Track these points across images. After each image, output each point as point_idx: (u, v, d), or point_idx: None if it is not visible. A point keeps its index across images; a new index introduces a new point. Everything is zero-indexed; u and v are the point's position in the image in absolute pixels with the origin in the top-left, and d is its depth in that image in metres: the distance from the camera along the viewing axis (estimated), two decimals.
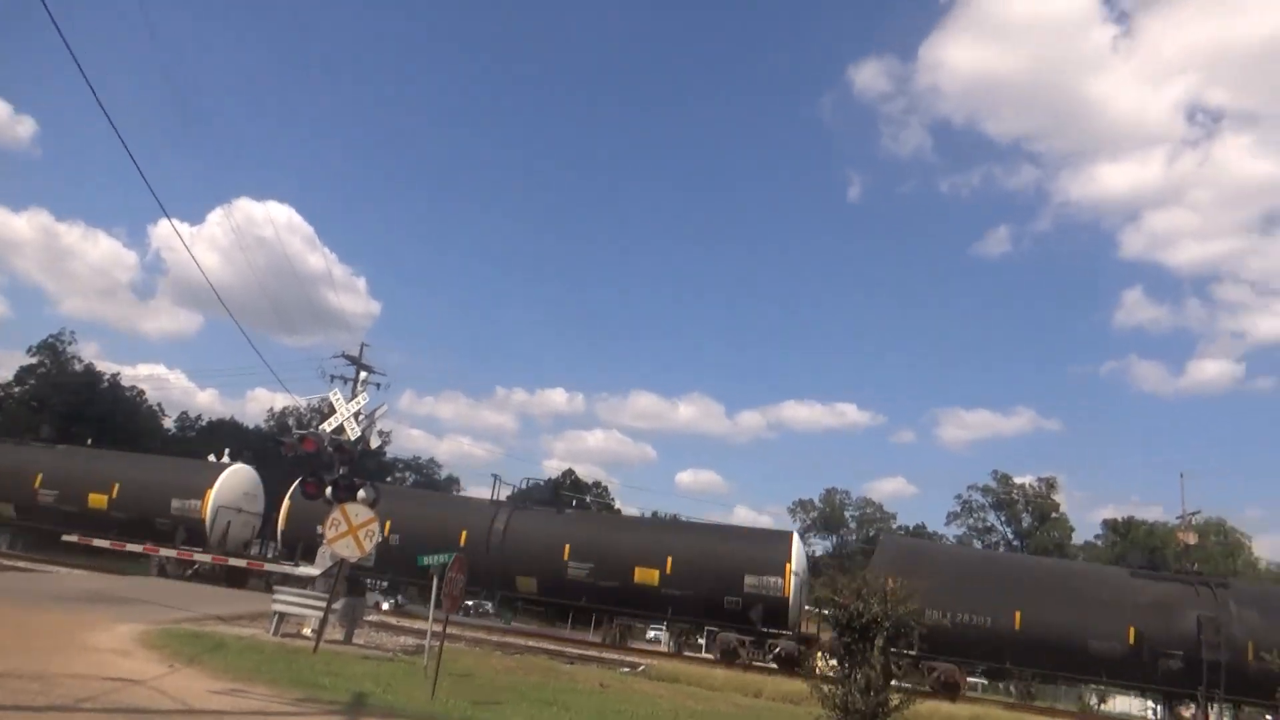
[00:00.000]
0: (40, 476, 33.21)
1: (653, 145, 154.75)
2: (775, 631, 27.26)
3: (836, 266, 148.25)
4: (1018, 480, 77.26)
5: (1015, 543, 75.18)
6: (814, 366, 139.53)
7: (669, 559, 28.12)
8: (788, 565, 27.40)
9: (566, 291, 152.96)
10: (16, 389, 66.47)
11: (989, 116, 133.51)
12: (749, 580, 27.29)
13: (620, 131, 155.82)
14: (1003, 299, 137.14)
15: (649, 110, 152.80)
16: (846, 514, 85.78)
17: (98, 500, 32.59)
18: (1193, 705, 24.83)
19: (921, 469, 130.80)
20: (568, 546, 28.96)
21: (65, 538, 31.65)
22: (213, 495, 31.96)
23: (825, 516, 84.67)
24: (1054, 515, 75.37)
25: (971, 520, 77.47)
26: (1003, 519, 77.28)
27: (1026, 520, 75.68)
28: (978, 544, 74.50)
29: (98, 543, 31.01)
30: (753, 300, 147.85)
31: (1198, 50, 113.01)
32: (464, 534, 28.99)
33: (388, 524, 26.80)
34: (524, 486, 35.93)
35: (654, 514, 65.27)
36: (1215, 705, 23.68)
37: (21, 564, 28.61)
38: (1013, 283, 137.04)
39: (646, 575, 28.04)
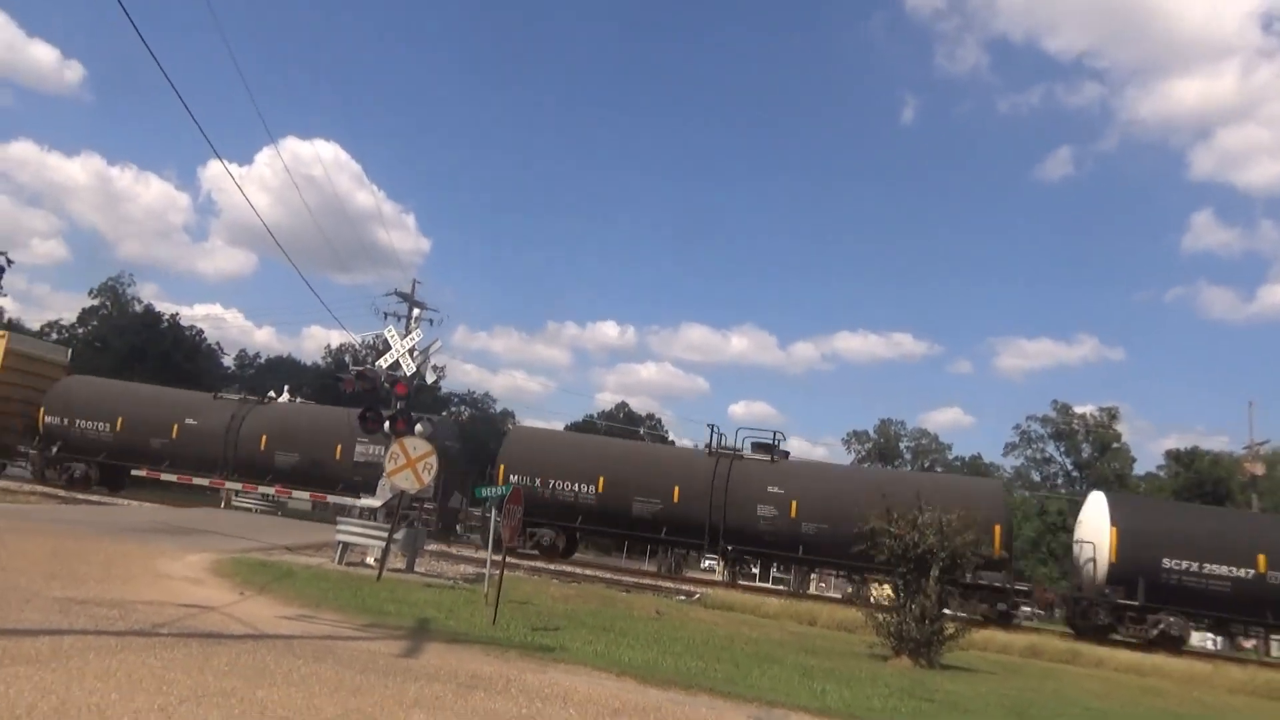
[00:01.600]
0: None
1: (699, 72, 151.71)
2: None
3: (891, 192, 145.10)
4: (1078, 410, 75.91)
5: (1074, 474, 74.16)
6: (868, 296, 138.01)
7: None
8: None
9: (616, 223, 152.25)
10: (80, 330, 68.54)
11: (1049, 31, 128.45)
12: None
13: (665, 59, 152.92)
14: (1065, 223, 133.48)
15: (695, 36, 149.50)
16: (901, 445, 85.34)
17: None
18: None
19: (979, 399, 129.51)
20: None
21: (135, 472, 32.77)
22: None
23: (880, 448, 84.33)
24: (1115, 445, 74.06)
25: (1030, 451, 76.49)
26: (1062, 450, 76.19)
27: (1086, 451, 74.50)
28: (1035, 475, 73.70)
29: (165, 477, 32.07)
30: (805, 229, 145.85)
31: None
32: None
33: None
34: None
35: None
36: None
37: (94, 498, 29.74)
38: (1076, 206, 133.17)
39: None
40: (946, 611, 15.89)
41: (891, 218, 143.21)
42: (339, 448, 31.11)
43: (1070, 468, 75.21)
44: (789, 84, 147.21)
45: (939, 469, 77.87)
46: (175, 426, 32.83)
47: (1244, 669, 20.03)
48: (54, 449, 33.07)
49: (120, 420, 33.04)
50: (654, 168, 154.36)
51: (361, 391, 21.85)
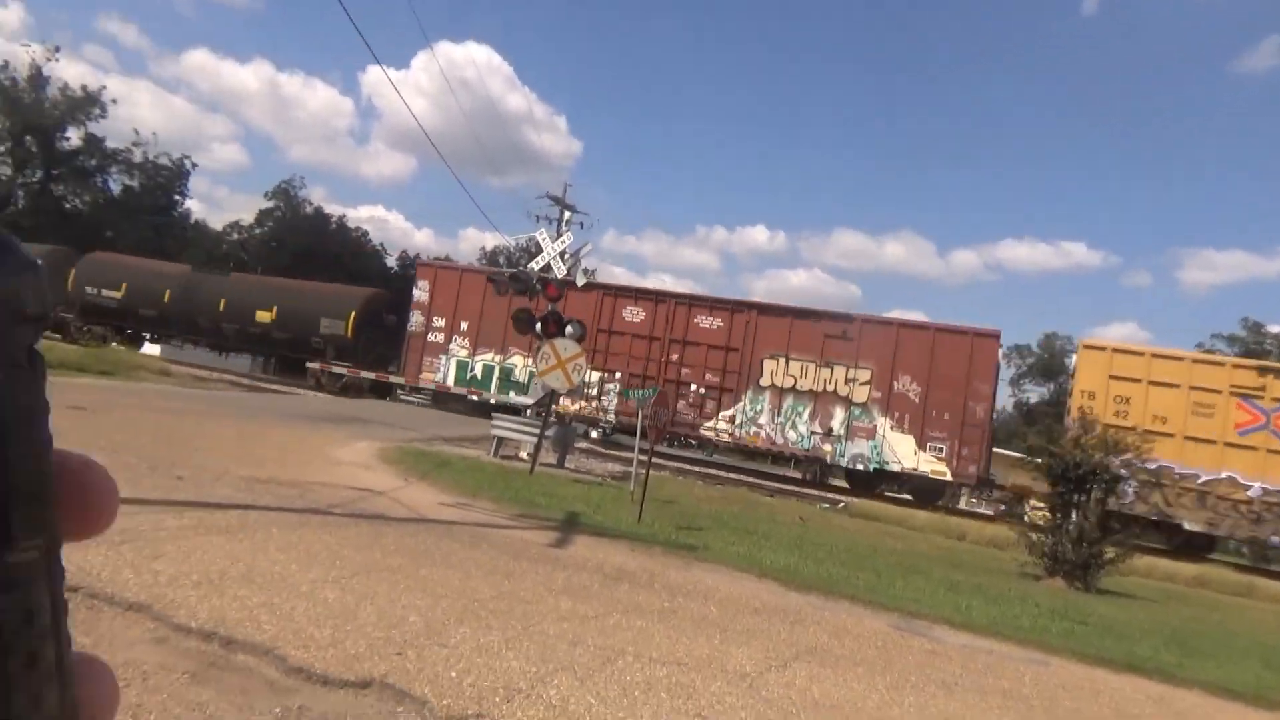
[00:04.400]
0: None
1: None
2: None
3: (1069, 88, 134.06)
4: (1273, 329, 69.53)
5: None
6: (1039, 201, 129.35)
7: None
8: None
9: (767, 120, 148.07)
10: (257, 230, 73.06)
11: None
12: None
13: None
14: (1271, 122, 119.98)
15: None
16: (1067, 361, 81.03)
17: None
18: None
19: (1158, 315, 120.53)
20: None
21: (309, 365, 35.04)
22: None
23: (1043, 363, 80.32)
24: None
25: None
26: None
27: None
28: None
29: (335, 369, 34.19)
30: (971, 127, 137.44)
31: None
32: None
33: None
34: None
35: None
36: None
37: (274, 387, 32.14)
38: None
39: None
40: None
41: (1068, 116, 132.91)
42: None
43: None
44: None
45: None
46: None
47: None
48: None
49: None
50: (813, 60, 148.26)
51: (515, 293, 22.46)
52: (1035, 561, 14.79)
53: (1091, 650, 8.75)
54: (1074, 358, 27.88)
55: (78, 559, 5.19)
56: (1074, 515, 14.70)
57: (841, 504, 22.78)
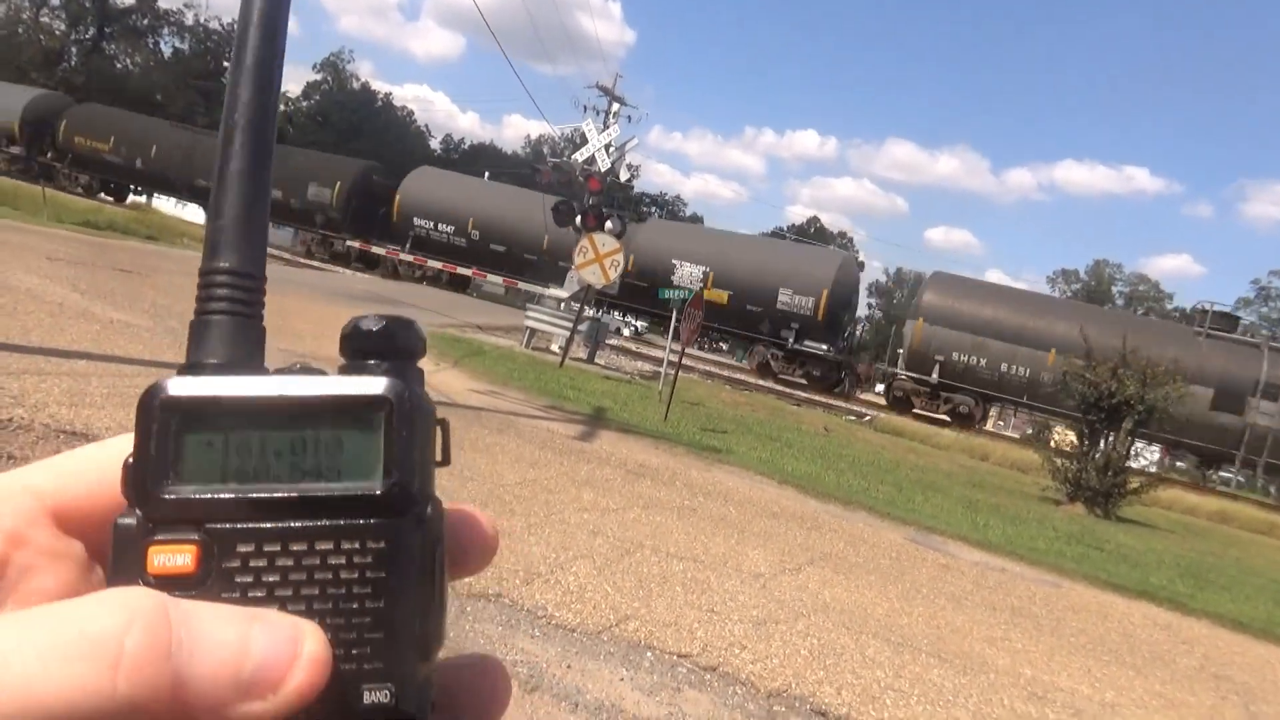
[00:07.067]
0: None
1: None
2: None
3: (1142, 3, 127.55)
4: None
5: None
6: (1102, 122, 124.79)
7: None
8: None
9: (827, 21, 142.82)
10: (304, 103, 72.51)
11: None
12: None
13: None
14: None
15: None
16: (1114, 289, 79.43)
17: None
18: None
19: (1215, 248, 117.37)
20: None
21: (349, 243, 35.35)
22: None
23: (1089, 290, 78.83)
24: None
25: (1266, 309, 68.92)
26: None
27: None
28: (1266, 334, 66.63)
29: (376, 250, 34.45)
30: (1033, 42, 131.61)
31: None
32: None
33: None
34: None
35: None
36: None
37: (317, 264, 32.45)
38: None
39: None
40: (1132, 465, 15.21)
41: (1142, 35, 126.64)
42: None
43: None
44: None
45: (1154, 318, 72.25)
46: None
47: None
48: None
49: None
50: None
51: (557, 183, 22.26)
52: (1057, 486, 14.85)
53: (1104, 575, 8.85)
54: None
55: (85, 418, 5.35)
56: (1102, 443, 14.69)
57: (868, 417, 22.86)
